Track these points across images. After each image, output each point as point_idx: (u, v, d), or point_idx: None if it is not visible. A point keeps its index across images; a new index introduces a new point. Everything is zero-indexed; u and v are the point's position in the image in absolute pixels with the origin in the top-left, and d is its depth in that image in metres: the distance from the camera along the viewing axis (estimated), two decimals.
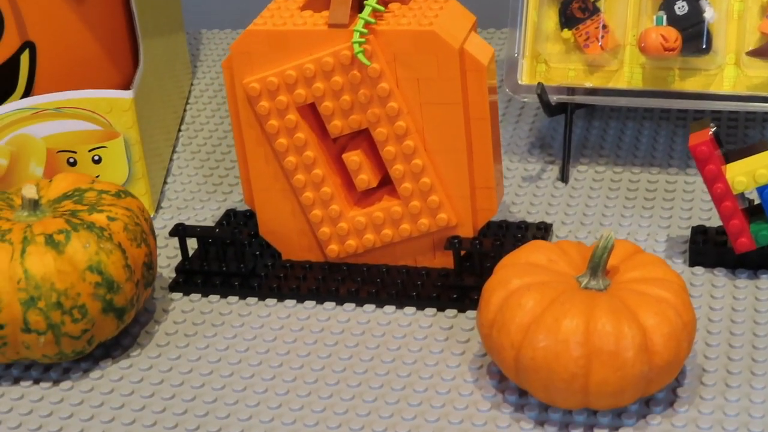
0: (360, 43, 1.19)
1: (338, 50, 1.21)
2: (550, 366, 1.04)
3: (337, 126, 1.24)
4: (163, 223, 1.43)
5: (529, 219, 1.37)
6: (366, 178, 1.25)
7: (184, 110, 1.68)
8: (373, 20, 1.19)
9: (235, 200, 1.46)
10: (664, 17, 1.37)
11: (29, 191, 1.19)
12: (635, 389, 1.05)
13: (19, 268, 1.14)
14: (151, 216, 1.43)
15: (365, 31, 1.19)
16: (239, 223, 1.38)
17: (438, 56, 1.19)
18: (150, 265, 1.22)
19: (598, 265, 1.08)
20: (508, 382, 1.13)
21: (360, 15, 1.19)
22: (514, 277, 1.09)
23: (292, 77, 1.22)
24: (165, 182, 1.52)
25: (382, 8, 1.20)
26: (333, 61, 1.21)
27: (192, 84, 1.75)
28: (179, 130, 1.63)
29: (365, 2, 1.20)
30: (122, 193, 1.23)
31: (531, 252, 1.12)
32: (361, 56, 1.19)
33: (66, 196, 1.22)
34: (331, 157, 1.27)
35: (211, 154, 1.57)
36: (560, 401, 1.06)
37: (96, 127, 1.40)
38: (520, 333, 1.05)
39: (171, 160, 1.56)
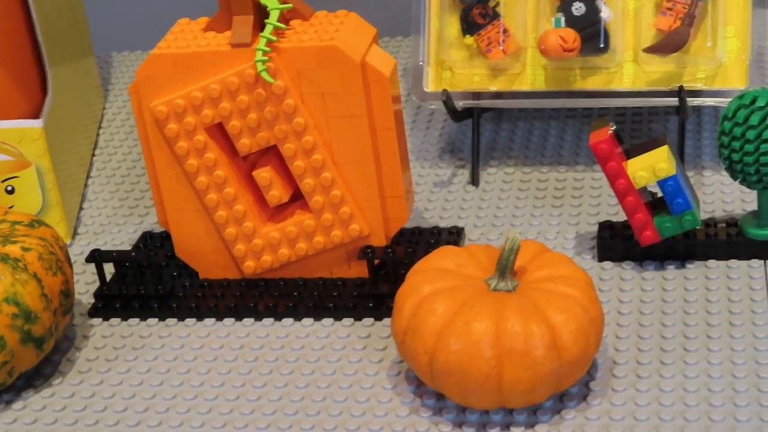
0: (263, 62, 1.20)
1: (242, 69, 1.22)
2: (463, 368, 1.06)
3: (245, 144, 1.25)
4: (80, 249, 1.44)
5: (442, 224, 1.40)
6: (277, 193, 1.27)
7: (97, 134, 1.69)
8: (274, 38, 1.21)
9: (152, 222, 1.47)
10: (562, 19, 1.40)
11: None
12: (547, 386, 1.07)
13: None
14: (68, 243, 1.44)
15: (267, 49, 1.21)
16: (156, 245, 1.39)
17: (341, 70, 1.21)
18: (67, 293, 1.22)
19: (505, 266, 1.10)
20: (426, 386, 1.15)
21: (261, 34, 1.21)
22: (424, 284, 1.11)
23: (198, 98, 1.24)
24: (81, 208, 1.52)
25: (282, 26, 1.22)
26: (238, 81, 1.22)
27: (104, 108, 1.76)
28: (93, 155, 1.64)
29: (266, 21, 1.22)
30: (35, 223, 1.24)
31: (440, 258, 1.14)
32: (264, 74, 1.20)
33: None
34: (241, 175, 1.28)
35: (125, 177, 1.58)
36: (476, 402, 1.08)
37: (7, 158, 1.40)
38: (432, 338, 1.08)
39: (86, 185, 1.57)
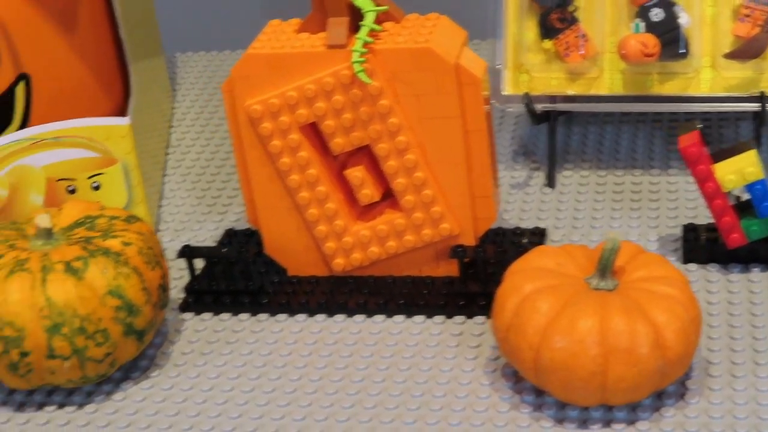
0: (360, 63, 1.22)
1: (338, 70, 1.24)
2: (568, 366, 1.08)
3: (339, 143, 1.27)
4: (163, 246, 1.46)
5: (522, 225, 1.42)
6: (369, 192, 1.29)
7: (169, 134, 1.71)
8: (370, 39, 1.23)
9: (231, 220, 1.49)
10: (642, 24, 1.42)
11: (43, 220, 1.21)
12: (650, 384, 1.09)
13: (41, 296, 1.16)
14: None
15: (364, 50, 1.23)
16: (242, 242, 1.41)
17: (435, 72, 1.23)
18: (164, 287, 1.25)
19: (606, 266, 1.13)
20: (524, 383, 1.17)
21: (357, 35, 1.23)
22: (526, 282, 1.13)
23: (293, 98, 1.26)
24: (159, 206, 1.54)
25: (378, 27, 1.24)
26: (333, 81, 1.24)
27: (173, 107, 1.78)
28: (166, 153, 1.66)
29: (361, 23, 1.24)
30: (131, 218, 1.26)
31: (539, 257, 1.16)
32: (362, 75, 1.22)
33: (78, 224, 1.24)
34: (333, 174, 1.30)
35: (201, 175, 1.60)
36: (579, 399, 1.10)
37: (94, 155, 1.42)
38: (537, 335, 1.10)
39: (162, 183, 1.59)
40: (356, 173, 1.28)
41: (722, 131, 1.57)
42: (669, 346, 1.09)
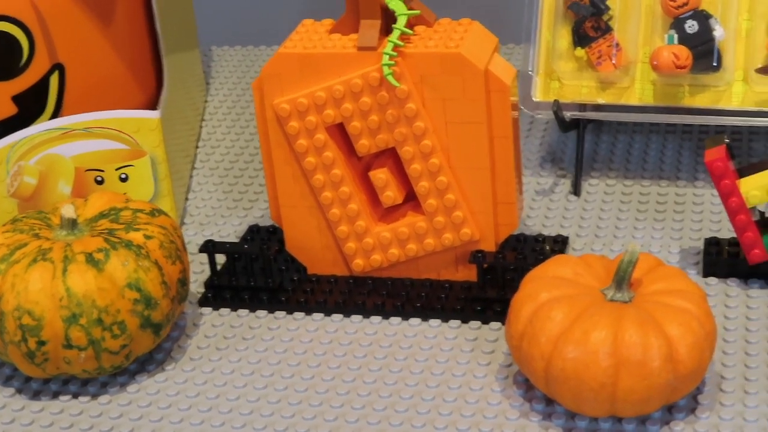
0: (389, 66, 1.23)
1: (367, 72, 1.25)
2: (579, 376, 1.08)
3: (364, 145, 1.28)
4: (187, 239, 1.47)
5: (545, 232, 1.42)
6: (392, 194, 1.29)
7: (200, 127, 1.72)
8: (402, 43, 1.23)
9: (256, 216, 1.50)
10: (675, 36, 1.41)
11: (68, 211, 1.22)
12: (660, 397, 1.09)
13: (61, 286, 1.17)
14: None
15: (395, 53, 1.23)
16: (264, 239, 1.42)
17: (464, 77, 1.23)
18: (184, 282, 1.26)
19: (623, 278, 1.12)
20: (535, 391, 1.17)
21: (389, 38, 1.23)
22: (542, 291, 1.13)
23: (321, 98, 1.26)
24: (186, 199, 1.55)
25: (410, 31, 1.24)
26: (362, 83, 1.25)
27: (206, 101, 1.79)
28: (196, 147, 1.67)
29: (393, 26, 1.24)
30: (156, 212, 1.27)
31: (557, 266, 1.16)
32: (390, 78, 1.23)
33: (102, 215, 1.26)
34: (356, 175, 1.31)
35: (229, 170, 1.61)
36: (588, 409, 1.10)
37: (123, 146, 1.43)
38: (549, 344, 1.10)
39: (190, 176, 1.60)
40: (380, 175, 1.29)
41: (752, 145, 1.56)
42: (681, 360, 1.08)
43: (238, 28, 2.02)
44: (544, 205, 1.47)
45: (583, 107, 1.48)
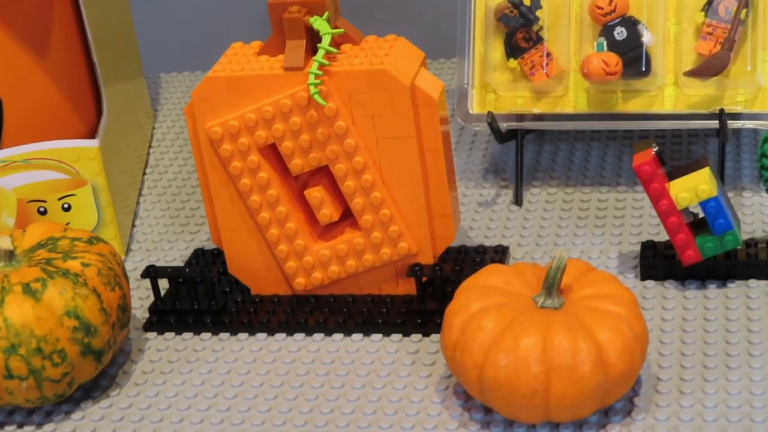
0: (315, 85, 1.24)
1: (295, 92, 1.26)
2: (511, 383, 1.09)
3: (297, 164, 1.29)
4: (133, 265, 1.48)
5: (487, 243, 1.43)
6: (328, 212, 1.30)
7: (148, 154, 1.73)
8: (326, 62, 1.25)
9: (203, 239, 1.51)
10: (605, 43, 1.43)
11: (4, 242, 1.23)
12: (593, 401, 1.10)
13: None
14: (122, 259, 1.48)
15: (320, 72, 1.24)
16: (208, 262, 1.43)
17: (390, 93, 1.25)
18: (124, 308, 1.26)
19: (552, 284, 1.14)
20: (474, 401, 1.18)
21: (314, 57, 1.25)
22: (473, 301, 1.14)
23: (252, 120, 1.27)
24: (133, 225, 1.56)
25: (334, 50, 1.26)
26: (290, 103, 1.26)
27: (154, 127, 1.80)
28: (144, 174, 1.68)
29: (318, 45, 1.26)
30: (94, 240, 1.28)
31: (489, 275, 1.18)
32: (317, 97, 1.24)
33: (40, 245, 1.26)
34: (293, 194, 1.32)
35: (176, 195, 1.62)
36: (523, 416, 1.11)
37: (64, 176, 1.44)
38: (481, 353, 1.11)
39: (137, 203, 1.61)
40: (315, 193, 1.30)
41: (691, 147, 1.57)
42: (612, 364, 1.10)
43: (185, 55, 2.03)
44: (486, 216, 1.48)
45: (520, 117, 1.49)
